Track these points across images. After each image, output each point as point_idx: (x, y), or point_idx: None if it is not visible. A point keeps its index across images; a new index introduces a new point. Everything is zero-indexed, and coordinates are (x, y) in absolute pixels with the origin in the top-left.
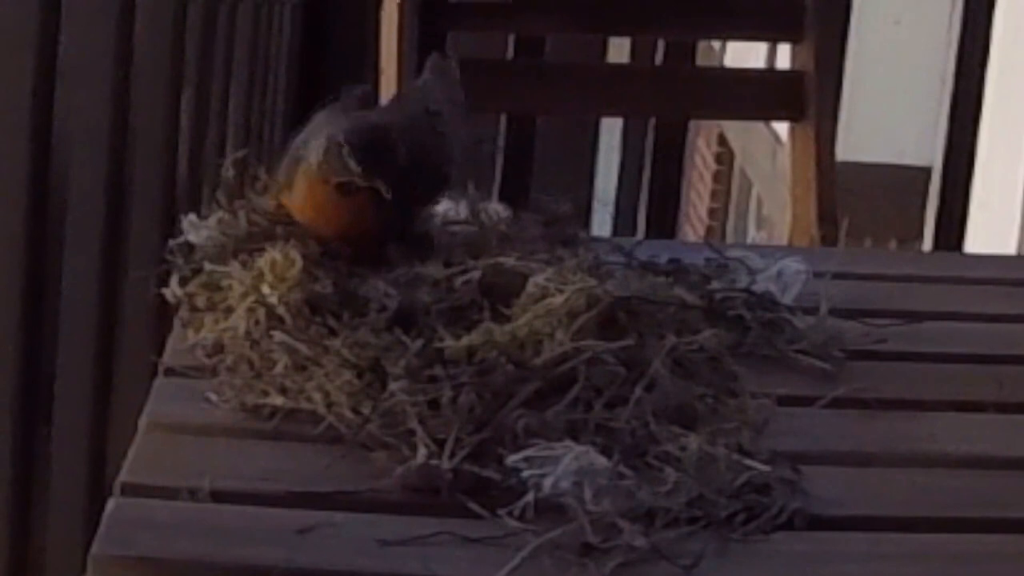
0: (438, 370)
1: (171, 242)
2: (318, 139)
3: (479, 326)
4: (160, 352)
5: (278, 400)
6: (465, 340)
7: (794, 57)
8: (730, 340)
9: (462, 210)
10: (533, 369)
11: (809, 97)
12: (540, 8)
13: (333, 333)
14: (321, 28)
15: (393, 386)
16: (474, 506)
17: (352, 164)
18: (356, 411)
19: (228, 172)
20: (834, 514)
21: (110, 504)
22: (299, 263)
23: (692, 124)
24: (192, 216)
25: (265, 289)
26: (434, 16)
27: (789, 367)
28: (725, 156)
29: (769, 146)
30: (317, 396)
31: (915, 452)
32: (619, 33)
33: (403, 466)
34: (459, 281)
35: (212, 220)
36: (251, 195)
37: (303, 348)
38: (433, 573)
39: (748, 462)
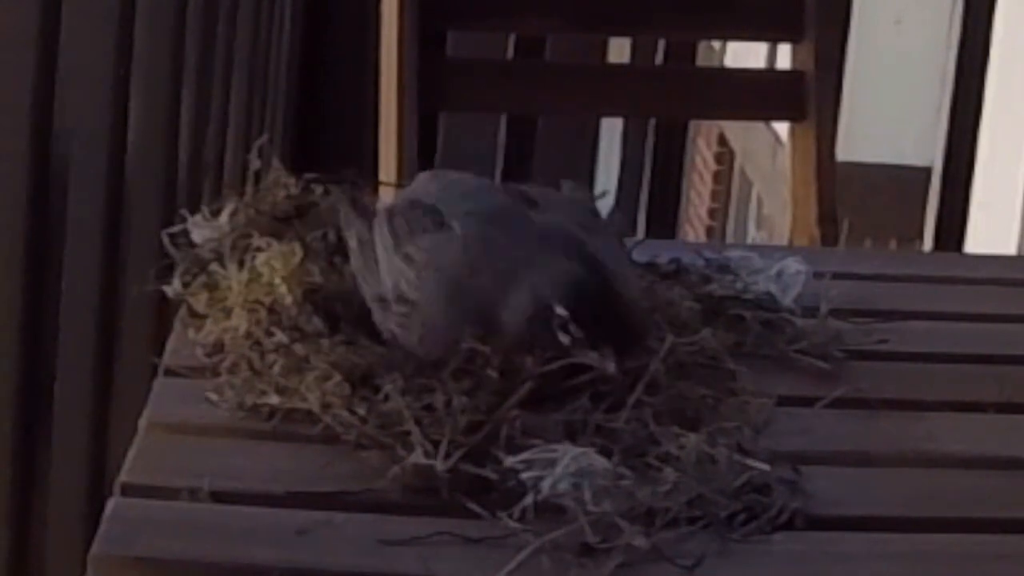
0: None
1: (172, 240)
2: (514, 293)
3: None
4: (160, 352)
5: (275, 400)
6: None
7: (794, 57)
8: (730, 340)
9: None
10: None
11: (809, 97)
12: (540, 8)
13: (333, 332)
14: (321, 28)
15: (388, 387)
16: (474, 506)
17: (567, 338)
18: (352, 411)
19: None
20: (834, 514)
21: (110, 504)
22: (300, 261)
23: (692, 124)
24: (198, 217)
25: (265, 288)
26: (434, 16)
27: (789, 367)
28: (725, 156)
29: (769, 146)
30: (312, 397)
31: (915, 452)
32: (619, 33)
33: (399, 466)
34: None
35: (224, 218)
36: (255, 192)
37: (298, 348)
38: (433, 573)
39: (748, 462)
